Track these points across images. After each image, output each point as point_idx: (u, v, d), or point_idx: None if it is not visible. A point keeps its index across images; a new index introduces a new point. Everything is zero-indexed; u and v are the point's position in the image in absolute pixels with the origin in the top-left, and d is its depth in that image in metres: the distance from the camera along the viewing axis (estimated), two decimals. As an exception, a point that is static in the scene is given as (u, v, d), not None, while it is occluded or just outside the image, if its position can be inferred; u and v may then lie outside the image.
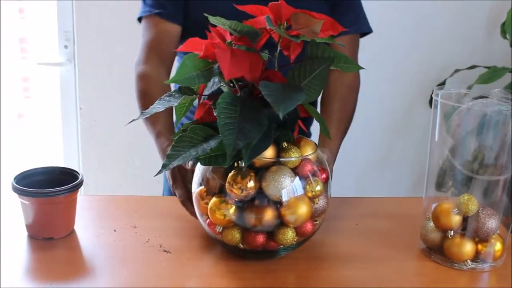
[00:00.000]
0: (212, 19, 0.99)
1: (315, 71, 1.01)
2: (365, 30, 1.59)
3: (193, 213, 1.19)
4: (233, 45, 1.01)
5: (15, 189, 1.17)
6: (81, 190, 1.24)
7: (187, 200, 1.26)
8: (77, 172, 1.24)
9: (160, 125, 1.40)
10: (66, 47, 2.41)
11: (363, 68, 1.08)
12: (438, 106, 1.18)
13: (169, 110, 1.36)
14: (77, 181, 1.19)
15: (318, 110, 1.53)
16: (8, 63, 2.63)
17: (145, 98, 1.44)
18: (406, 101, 2.63)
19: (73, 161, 2.53)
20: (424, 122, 2.57)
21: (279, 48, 1.06)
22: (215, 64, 1.01)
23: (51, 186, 1.17)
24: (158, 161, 1.21)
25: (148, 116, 1.06)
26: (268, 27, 0.98)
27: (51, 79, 2.53)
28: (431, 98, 2.37)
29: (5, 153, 2.67)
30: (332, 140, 1.43)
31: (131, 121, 1.06)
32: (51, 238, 1.19)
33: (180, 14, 1.48)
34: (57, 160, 2.60)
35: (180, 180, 1.28)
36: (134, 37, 2.39)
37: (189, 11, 1.48)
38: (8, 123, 2.73)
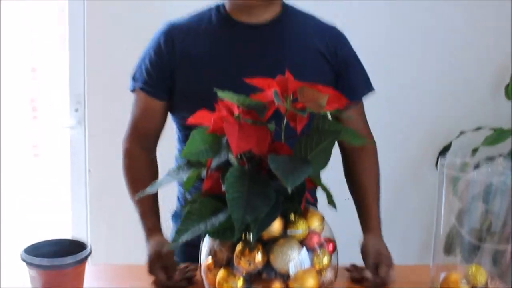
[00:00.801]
0: (221, 94, 1.02)
1: (321, 144, 1.03)
2: (369, 91, 1.61)
3: None
4: (241, 118, 1.03)
5: (24, 261, 1.17)
6: (90, 256, 1.23)
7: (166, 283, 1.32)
8: (85, 243, 1.24)
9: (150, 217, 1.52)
10: (76, 110, 2.44)
11: (368, 142, 1.09)
12: (444, 175, 1.19)
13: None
14: (85, 252, 1.20)
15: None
16: (19, 123, 2.67)
17: (129, 175, 1.55)
18: (413, 163, 2.63)
19: (82, 224, 2.53)
20: (430, 183, 2.57)
21: (285, 120, 1.07)
22: (223, 138, 1.02)
23: (59, 257, 1.17)
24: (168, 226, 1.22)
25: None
26: (276, 103, 1.00)
27: (61, 141, 2.56)
28: (437, 160, 2.39)
29: (15, 215, 2.67)
30: (373, 220, 1.54)
31: (140, 194, 1.07)
32: None
33: (164, 91, 1.50)
34: (66, 223, 2.60)
35: (160, 263, 1.35)
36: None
37: (177, 87, 1.50)
38: (18, 185, 2.74)
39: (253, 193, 0.96)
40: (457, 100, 2.60)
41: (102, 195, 2.52)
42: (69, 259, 1.17)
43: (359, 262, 1.45)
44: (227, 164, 1.05)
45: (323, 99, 1.01)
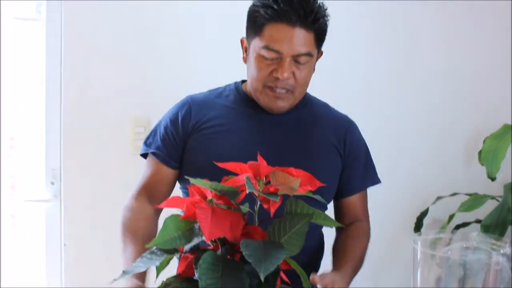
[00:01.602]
0: (192, 180, 1.02)
1: (295, 227, 1.03)
2: (375, 183, 1.65)
3: None
4: (214, 202, 1.04)
5: None
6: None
7: None
8: None
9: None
10: (52, 183, 2.43)
11: (341, 225, 1.10)
12: (418, 252, 1.20)
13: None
14: None
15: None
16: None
17: (125, 229, 1.52)
18: (391, 231, 2.64)
19: (57, 299, 2.48)
20: (409, 250, 2.57)
21: (259, 203, 1.08)
22: (196, 223, 1.02)
23: None
24: None
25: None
26: (247, 191, 1.01)
27: (37, 215, 2.53)
28: (416, 226, 2.40)
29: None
30: (348, 263, 1.47)
31: (112, 281, 1.06)
32: None
33: (175, 160, 1.55)
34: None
35: None
36: (119, 171, 2.45)
37: (186, 157, 1.54)
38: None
39: (227, 279, 0.95)
40: (432, 167, 2.63)
41: (78, 269, 2.48)
42: None
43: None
44: (200, 247, 1.05)
45: (296, 183, 1.02)
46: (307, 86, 1.54)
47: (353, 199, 1.61)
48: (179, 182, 1.60)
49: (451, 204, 2.41)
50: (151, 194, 1.57)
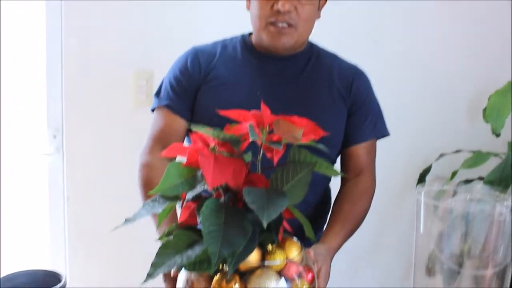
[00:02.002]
0: (195, 128, 1.01)
1: (297, 175, 1.02)
2: (382, 135, 1.62)
3: None
4: (217, 150, 1.03)
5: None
6: (67, 283, 1.21)
7: None
8: (60, 274, 1.22)
9: None
10: (55, 136, 2.42)
11: (342, 174, 1.09)
12: (422, 202, 1.19)
13: None
14: (60, 284, 1.18)
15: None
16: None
17: (147, 188, 1.46)
18: (394, 187, 2.63)
19: (60, 251, 2.50)
20: (412, 206, 2.57)
21: (262, 151, 1.07)
22: (199, 171, 1.02)
23: None
24: (148, 254, 1.19)
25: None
26: (251, 139, 1.00)
27: (39, 168, 2.54)
28: (418, 181, 2.40)
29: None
30: (333, 236, 1.46)
31: (115, 229, 1.06)
32: None
33: (187, 109, 1.54)
34: (44, 250, 2.57)
35: (170, 273, 1.27)
36: (121, 124, 2.44)
37: (197, 109, 1.53)
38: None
39: (230, 226, 0.95)
40: (436, 123, 2.61)
41: (80, 222, 2.50)
42: None
43: (344, 284, 1.45)
44: (202, 196, 1.05)
45: (299, 132, 1.01)
46: (311, 25, 1.52)
47: (358, 150, 1.58)
48: (188, 136, 1.59)
49: (454, 161, 2.40)
50: (165, 147, 1.53)
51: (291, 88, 1.52)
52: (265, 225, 0.90)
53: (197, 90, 1.53)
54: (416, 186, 2.47)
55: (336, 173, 1.09)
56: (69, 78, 2.40)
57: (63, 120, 2.42)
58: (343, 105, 1.54)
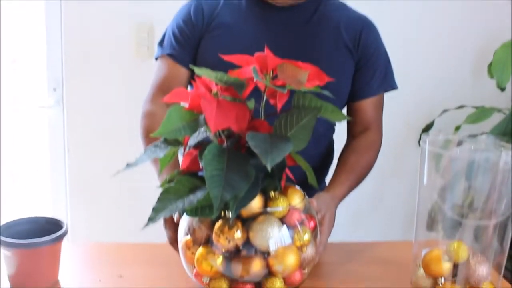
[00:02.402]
0: (198, 70, 0.99)
1: (302, 121, 1.01)
2: (391, 87, 1.60)
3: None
4: (219, 95, 1.01)
5: (-3, 240, 1.14)
6: (69, 235, 1.21)
7: (175, 242, 1.22)
8: (61, 221, 1.22)
9: None
10: (54, 89, 2.40)
11: (349, 118, 1.07)
12: (426, 152, 1.18)
13: None
14: (61, 231, 1.18)
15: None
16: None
17: (149, 136, 1.44)
18: (396, 141, 2.62)
19: (61, 204, 2.50)
20: (414, 162, 2.56)
21: (265, 97, 1.05)
22: (201, 115, 1.00)
23: (35, 236, 1.15)
24: (148, 205, 1.18)
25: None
26: (255, 79, 0.98)
27: (40, 121, 2.52)
28: (420, 137, 2.39)
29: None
30: (337, 185, 1.45)
31: (117, 173, 1.05)
32: None
33: (190, 58, 1.52)
34: (45, 204, 2.57)
35: (171, 220, 1.26)
36: (122, 77, 2.41)
37: (200, 58, 1.51)
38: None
39: (232, 170, 0.94)
40: (440, 79, 2.59)
41: (81, 175, 2.50)
42: (44, 238, 1.15)
43: (345, 237, 1.44)
44: (205, 142, 1.03)
45: (303, 76, 0.99)
46: None
47: (365, 104, 1.55)
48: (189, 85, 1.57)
49: (457, 117, 2.39)
50: (160, 97, 1.51)
51: (295, 39, 1.49)
52: (269, 168, 0.89)
53: (200, 39, 1.51)
54: (418, 144, 2.46)
55: (343, 117, 1.06)
56: (69, 31, 2.37)
57: (63, 73, 2.39)
58: (349, 58, 1.51)
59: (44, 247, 1.14)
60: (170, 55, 1.53)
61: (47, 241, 1.14)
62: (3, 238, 1.14)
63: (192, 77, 1.52)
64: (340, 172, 1.50)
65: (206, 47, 1.50)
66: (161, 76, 1.54)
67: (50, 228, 1.20)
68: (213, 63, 1.42)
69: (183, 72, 1.52)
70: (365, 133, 1.57)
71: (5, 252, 1.15)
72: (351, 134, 1.59)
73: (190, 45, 1.52)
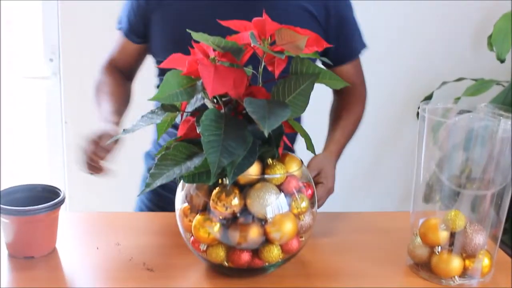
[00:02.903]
0: (195, 35, 0.98)
1: (300, 87, 1.00)
2: (364, 47, 1.58)
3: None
4: (217, 61, 1.00)
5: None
6: (66, 205, 1.22)
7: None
8: (59, 189, 1.22)
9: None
10: (51, 60, 2.39)
11: (347, 85, 1.06)
12: (425, 121, 1.17)
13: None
14: (59, 198, 1.17)
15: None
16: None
17: (99, 91, 1.54)
18: (394, 113, 2.62)
19: (59, 175, 2.50)
20: (412, 134, 2.56)
21: (263, 63, 1.04)
22: (199, 81, 0.99)
23: (32, 204, 1.15)
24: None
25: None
26: (252, 44, 0.97)
27: (36, 92, 2.51)
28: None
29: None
30: (332, 142, 1.48)
31: (113, 139, 1.04)
32: (32, 257, 1.17)
33: (138, 35, 1.53)
34: (43, 174, 2.57)
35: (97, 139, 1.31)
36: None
37: (153, 32, 1.49)
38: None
39: (230, 136, 0.93)
40: (439, 52, 2.58)
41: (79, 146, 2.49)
42: (42, 206, 1.14)
43: (341, 209, 1.45)
44: (202, 109, 1.03)
45: (302, 41, 0.97)
46: None
47: (347, 68, 1.53)
48: (153, 56, 1.54)
49: (456, 89, 2.38)
50: (119, 65, 1.59)
51: (255, 8, 1.38)
52: (266, 134, 0.89)
53: (149, 14, 1.47)
54: (417, 116, 2.45)
55: (342, 84, 1.05)
56: (65, 1, 2.35)
57: (59, 43, 2.37)
58: (318, 26, 1.46)
59: (42, 214, 1.14)
60: (120, 29, 1.55)
61: (45, 208, 1.14)
62: (0, 205, 1.14)
63: (149, 50, 1.53)
64: (333, 130, 1.53)
65: (163, 18, 1.46)
66: (114, 50, 1.59)
67: (47, 196, 1.20)
68: (174, 34, 1.43)
69: (132, 46, 1.55)
70: (351, 89, 1.54)
71: (3, 219, 1.15)
72: (337, 92, 1.60)
73: (139, 21, 1.50)
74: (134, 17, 1.50)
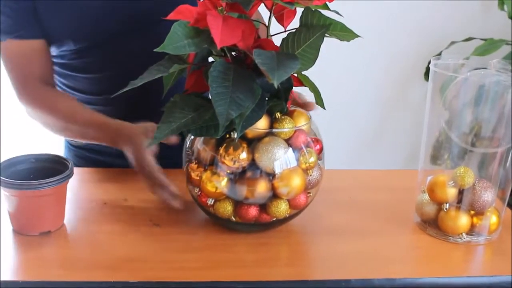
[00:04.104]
0: None
1: (310, 39, 0.98)
2: None
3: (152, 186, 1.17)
4: (225, 12, 0.98)
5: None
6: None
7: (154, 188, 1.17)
8: (66, 160, 1.13)
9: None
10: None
11: (360, 36, 1.04)
12: (435, 77, 1.16)
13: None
14: (67, 171, 1.08)
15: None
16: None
17: (51, 113, 1.36)
18: (402, 73, 2.60)
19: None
20: (419, 95, 2.55)
21: (272, 15, 1.02)
22: (207, 32, 0.97)
23: (38, 176, 1.06)
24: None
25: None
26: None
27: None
28: (427, 70, 2.36)
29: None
30: None
31: (119, 93, 1.01)
32: (38, 234, 1.09)
33: (36, 29, 1.32)
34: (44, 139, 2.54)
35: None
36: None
37: (51, 23, 1.32)
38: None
39: (238, 88, 0.92)
40: (447, 11, 2.54)
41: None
42: (48, 180, 1.04)
43: (348, 167, 1.44)
44: (210, 62, 1.01)
45: (312, -8, 0.95)
46: None
47: None
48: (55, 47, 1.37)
49: (465, 49, 2.35)
50: (35, 77, 1.37)
51: None
52: (275, 85, 0.87)
53: (34, 4, 1.30)
54: (424, 76, 2.43)
55: (354, 36, 1.02)
56: None
57: None
58: None
59: (50, 188, 1.05)
60: (16, 37, 1.32)
61: (53, 182, 1.05)
62: (3, 178, 1.04)
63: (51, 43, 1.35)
64: None
65: (52, 8, 1.30)
66: (16, 66, 1.36)
67: (53, 167, 1.11)
68: (70, 23, 1.29)
69: (37, 43, 1.34)
70: None
71: (4, 192, 1.06)
72: None
73: (28, 15, 1.30)
74: (20, 14, 1.30)
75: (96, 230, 1.13)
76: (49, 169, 1.11)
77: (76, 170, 1.13)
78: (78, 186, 1.30)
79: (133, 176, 1.33)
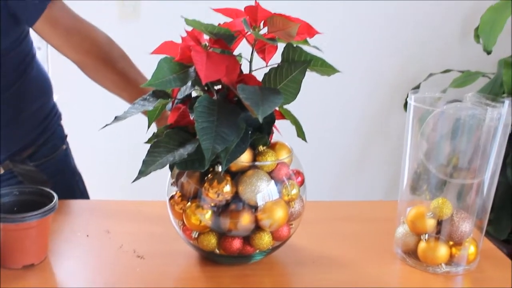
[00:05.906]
0: (188, 21, 0.98)
1: (291, 74, 1.01)
2: None
3: None
4: (209, 48, 1.00)
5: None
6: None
7: None
8: (50, 192, 1.13)
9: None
10: (39, 48, 2.36)
11: (339, 72, 1.07)
12: (412, 110, 1.19)
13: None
14: (51, 204, 1.08)
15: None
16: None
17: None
18: (381, 105, 2.64)
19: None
20: (399, 126, 2.59)
21: (254, 51, 1.05)
22: (191, 67, 0.99)
23: (22, 209, 1.07)
24: (137, 162, 1.16)
25: None
26: (245, 31, 0.97)
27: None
28: (406, 102, 2.40)
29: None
30: None
31: (104, 126, 1.04)
32: (20, 268, 1.09)
33: None
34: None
35: None
36: (107, 20, 2.38)
37: None
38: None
39: (223, 122, 0.94)
40: (426, 43, 2.60)
41: (69, 130, 2.47)
42: (32, 213, 1.05)
43: (329, 198, 1.46)
44: (193, 96, 1.03)
45: (294, 28, 0.98)
46: None
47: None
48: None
49: (443, 81, 2.40)
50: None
51: None
52: (260, 120, 0.89)
53: None
54: (404, 107, 2.47)
55: (334, 71, 1.05)
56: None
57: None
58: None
59: (32, 221, 1.05)
60: None
61: (35, 215, 1.05)
62: None
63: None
64: None
65: None
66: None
67: (38, 200, 1.12)
68: None
69: None
70: None
71: None
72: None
73: None
74: None
75: (80, 263, 1.13)
76: (33, 201, 1.12)
77: (58, 202, 1.13)
78: (61, 218, 1.30)
79: (117, 207, 1.35)
